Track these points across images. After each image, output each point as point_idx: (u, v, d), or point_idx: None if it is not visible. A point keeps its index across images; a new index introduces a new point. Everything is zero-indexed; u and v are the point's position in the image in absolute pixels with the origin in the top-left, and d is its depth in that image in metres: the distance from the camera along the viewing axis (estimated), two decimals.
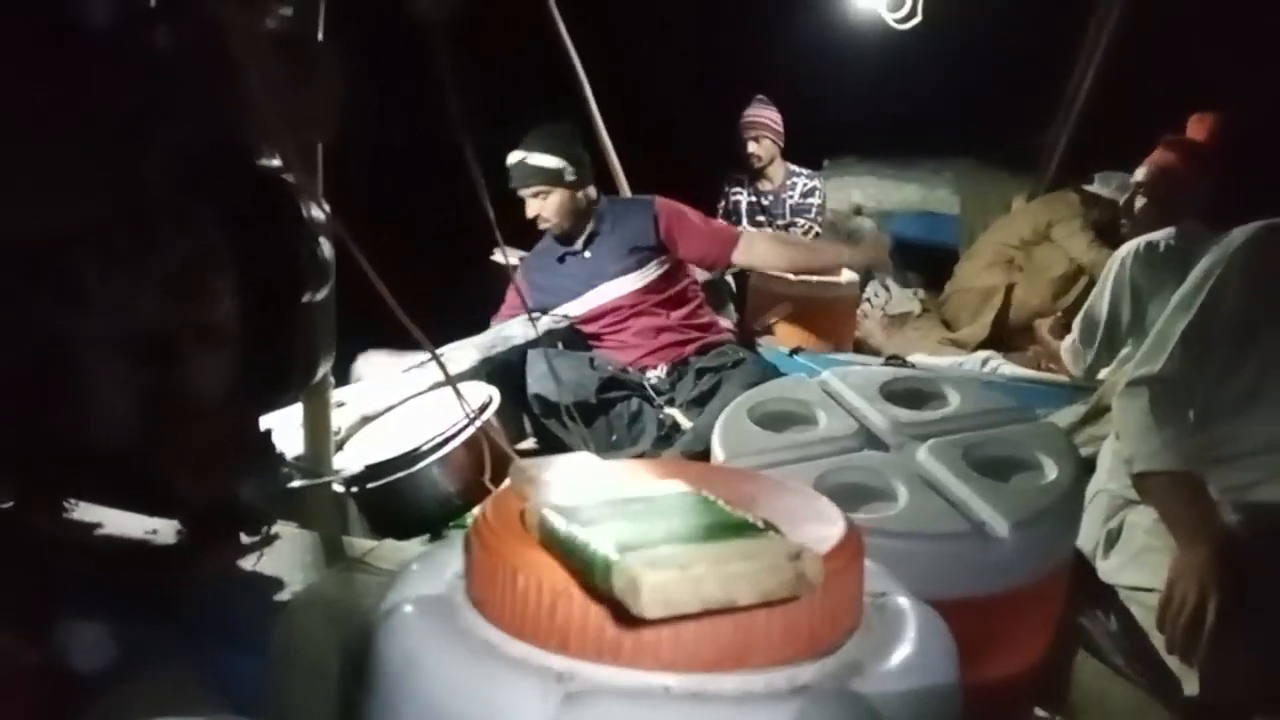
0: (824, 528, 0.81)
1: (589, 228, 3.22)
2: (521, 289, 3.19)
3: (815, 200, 4.75)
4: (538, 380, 2.87)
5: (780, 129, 4.71)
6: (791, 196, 4.75)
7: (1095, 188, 4.50)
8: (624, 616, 0.68)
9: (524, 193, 3.13)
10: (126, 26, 1.32)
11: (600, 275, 3.19)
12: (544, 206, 3.14)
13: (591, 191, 3.24)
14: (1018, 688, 1.52)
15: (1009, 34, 4.88)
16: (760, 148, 4.68)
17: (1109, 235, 4.53)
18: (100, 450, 1.38)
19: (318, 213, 1.53)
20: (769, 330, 3.69)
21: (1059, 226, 4.57)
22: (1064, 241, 4.54)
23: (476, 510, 0.85)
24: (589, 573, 0.68)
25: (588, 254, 3.23)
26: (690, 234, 3.23)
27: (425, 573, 0.86)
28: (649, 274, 3.18)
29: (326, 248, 1.54)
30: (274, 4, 1.51)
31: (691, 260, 3.33)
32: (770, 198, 4.75)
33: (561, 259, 3.26)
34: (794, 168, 4.80)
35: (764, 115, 4.69)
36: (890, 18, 4.22)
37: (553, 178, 3.12)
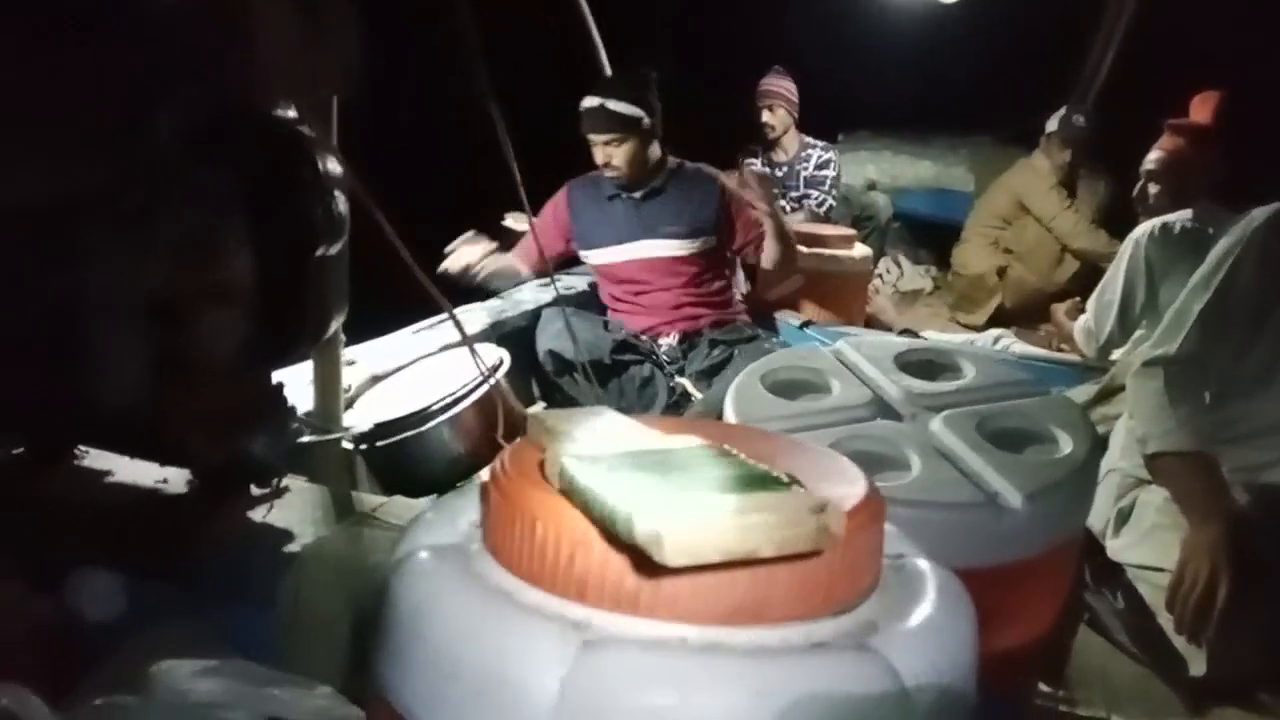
0: (845, 486, 0.81)
1: (652, 181, 3.12)
2: (559, 211, 3.15)
3: (829, 173, 4.70)
4: (553, 338, 2.86)
5: (795, 99, 4.66)
6: (805, 169, 4.70)
7: (1048, 128, 4.52)
8: (643, 567, 0.68)
9: (597, 139, 3.04)
10: None
11: (649, 230, 3.09)
12: (616, 154, 3.03)
13: (656, 147, 3.14)
14: (1024, 660, 1.52)
15: (1028, 11, 4.83)
16: (775, 117, 4.63)
17: (1076, 176, 4.62)
18: (115, 409, 1.38)
19: (334, 166, 1.52)
20: (782, 302, 3.66)
21: (1031, 199, 4.56)
22: (1041, 214, 4.53)
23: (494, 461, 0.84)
24: (611, 522, 0.68)
25: (642, 205, 3.13)
26: (742, 223, 3.16)
27: (439, 522, 0.86)
28: (692, 246, 3.09)
29: (341, 202, 1.53)
30: None
31: (730, 249, 3.24)
32: (784, 169, 4.71)
33: (612, 198, 3.15)
34: (809, 140, 4.76)
35: (779, 85, 4.64)
36: None
37: (630, 125, 3.01)
